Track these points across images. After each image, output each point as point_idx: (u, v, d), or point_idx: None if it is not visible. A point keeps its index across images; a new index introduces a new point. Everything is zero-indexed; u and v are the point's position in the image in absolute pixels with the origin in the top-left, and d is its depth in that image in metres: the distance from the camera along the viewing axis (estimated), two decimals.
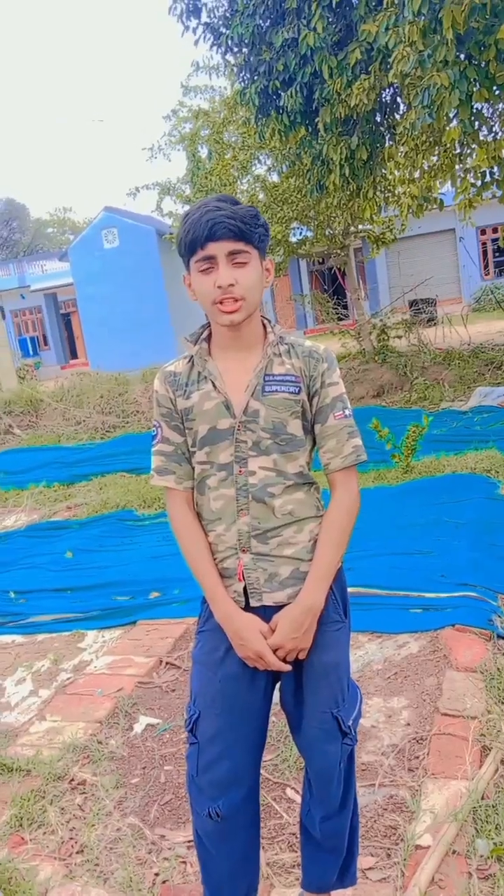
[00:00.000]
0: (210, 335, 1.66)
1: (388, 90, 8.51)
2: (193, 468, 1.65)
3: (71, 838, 2.28)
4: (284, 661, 1.58)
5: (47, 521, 6.26)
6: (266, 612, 1.60)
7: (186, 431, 1.63)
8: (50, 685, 3.34)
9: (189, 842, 2.19)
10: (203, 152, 13.62)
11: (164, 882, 2.05)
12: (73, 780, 2.56)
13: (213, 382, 1.59)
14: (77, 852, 2.21)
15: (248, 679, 1.60)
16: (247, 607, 1.61)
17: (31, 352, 28.32)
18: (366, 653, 3.18)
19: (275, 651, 1.57)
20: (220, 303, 1.52)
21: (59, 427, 10.74)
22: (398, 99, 8.78)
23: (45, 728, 2.92)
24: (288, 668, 1.57)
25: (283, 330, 1.67)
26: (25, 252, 37.91)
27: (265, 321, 1.65)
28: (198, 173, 13.38)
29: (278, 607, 1.60)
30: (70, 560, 5.08)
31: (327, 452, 1.62)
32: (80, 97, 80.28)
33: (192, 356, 1.64)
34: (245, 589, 1.61)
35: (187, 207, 14.45)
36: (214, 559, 1.63)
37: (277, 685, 1.70)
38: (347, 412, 1.62)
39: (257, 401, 1.57)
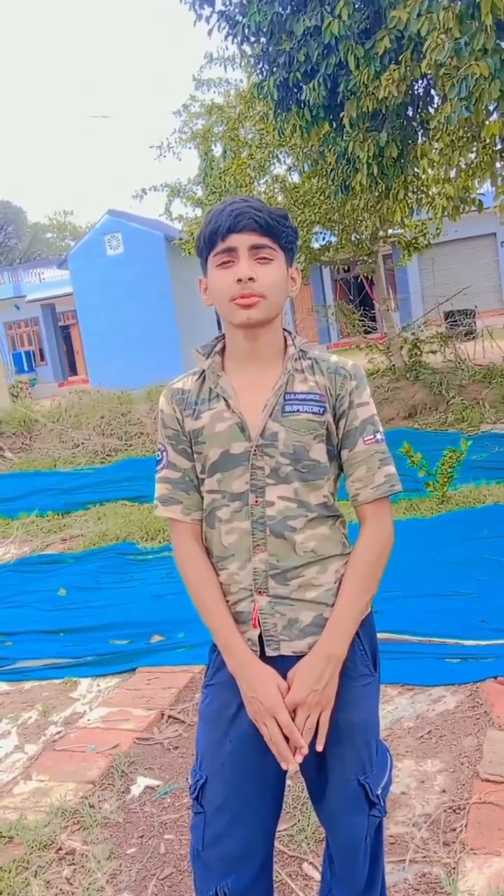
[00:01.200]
0: (224, 347, 1.64)
1: (420, 81, 8.57)
2: (201, 498, 1.63)
3: None
4: (304, 728, 1.51)
5: (39, 555, 6.25)
6: (284, 663, 1.55)
7: (195, 456, 1.61)
8: (37, 740, 3.29)
9: None
10: (217, 150, 13.80)
11: None
12: (60, 848, 2.50)
13: (226, 401, 1.57)
14: None
15: (261, 741, 1.55)
16: (262, 657, 1.56)
17: (25, 367, 28.62)
18: (395, 708, 3.11)
19: (293, 713, 1.51)
20: (239, 297, 1.50)
21: (54, 450, 10.78)
22: (432, 91, 8.85)
23: (30, 789, 2.88)
24: (303, 743, 1.50)
25: (306, 343, 1.65)
26: (21, 259, 38.53)
27: (286, 333, 1.63)
28: (211, 173, 13.54)
29: (298, 658, 1.55)
30: (63, 598, 5.05)
31: (356, 482, 1.58)
32: (82, 92, 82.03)
33: (202, 371, 1.63)
34: (261, 636, 1.56)
35: (198, 211, 14.74)
36: (226, 601, 1.59)
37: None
38: (379, 436, 1.59)
39: (276, 422, 1.54)
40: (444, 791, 2.55)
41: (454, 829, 2.36)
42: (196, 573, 1.61)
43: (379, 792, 1.59)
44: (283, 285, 1.56)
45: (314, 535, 1.56)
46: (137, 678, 3.72)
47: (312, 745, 1.53)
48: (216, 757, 1.59)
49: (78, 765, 2.98)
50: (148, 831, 2.57)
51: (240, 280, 1.49)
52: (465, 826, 2.34)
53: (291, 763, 1.50)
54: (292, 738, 1.50)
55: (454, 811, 2.44)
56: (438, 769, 2.68)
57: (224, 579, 1.59)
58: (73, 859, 2.46)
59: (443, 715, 3.01)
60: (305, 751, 1.50)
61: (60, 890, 2.33)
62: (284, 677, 1.54)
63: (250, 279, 1.49)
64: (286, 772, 1.64)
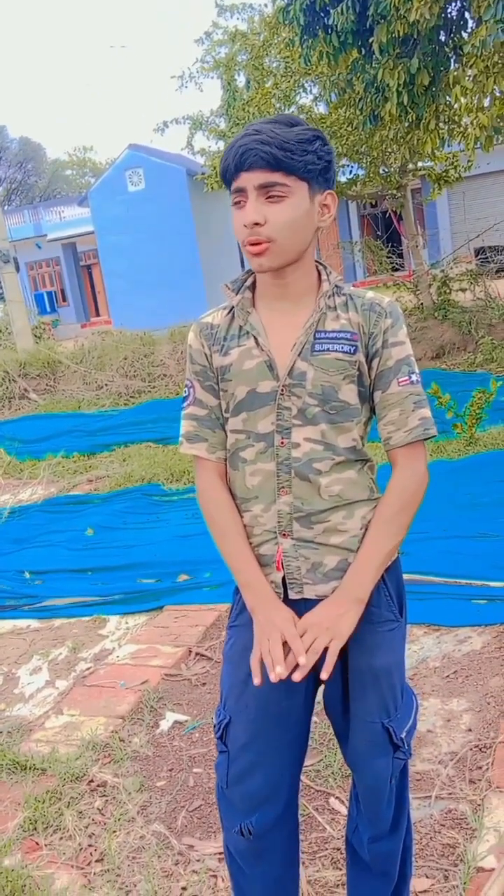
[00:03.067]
0: (255, 283, 1.58)
1: (454, 3, 8.20)
2: (226, 437, 1.60)
3: (90, 845, 2.30)
4: (309, 648, 1.44)
5: (66, 495, 6.31)
6: (306, 606, 1.53)
7: (221, 393, 1.57)
8: (68, 675, 3.37)
9: (220, 853, 2.18)
10: (240, 80, 13.37)
11: None
12: (92, 781, 2.57)
13: (255, 338, 1.52)
14: (96, 861, 2.23)
15: (285, 682, 1.55)
16: (285, 600, 1.55)
17: (47, 308, 28.50)
18: (421, 648, 3.13)
19: (302, 635, 1.46)
20: (248, 244, 1.44)
21: (78, 392, 10.80)
22: (466, 13, 8.46)
23: (62, 723, 2.95)
24: (302, 652, 1.43)
25: (340, 279, 1.57)
26: (41, 197, 38.03)
27: (320, 267, 1.56)
28: (234, 104, 13.13)
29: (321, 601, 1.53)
30: (90, 538, 5.11)
31: (389, 424, 1.53)
32: (99, 21, 79.56)
33: (232, 307, 1.58)
34: (284, 579, 1.55)
35: (221, 144, 14.38)
36: (250, 543, 1.57)
37: (320, 690, 1.65)
38: (414, 378, 1.53)
39: (305, 361, 1.49)
40: (469, 730, 2.57)
41: (480, 768, 2.39)
42: (218, 512, 1.59)
43: (403, 735, 1.59)
44: (303, 221, 1.45)
45: (340, 479, 1.52)
46: (165, 616, 3.77)
47: (339, 679, 1.52)
48: (240, 697, 1.59)
49: (108, 700, 3.05)
50: (177, 765, 2.63)
51: (246, 225, 1.43)
52: (492, 764, 2.37)
53: (279, 667, 1.43)
54: (294, 650, 1.44)
55: (480, 750, 2.47)
56: (464, 708, 2.70)
57: (247, 521, 1.57)
58: (105, 791, 2.53)
59: (469, 655, 3.02)
60: (303, 664, 1.43)
61: (93, 820, 2.40)
62: None
63: (256, 224, 1.42)
64: (311, 714, 1.65)
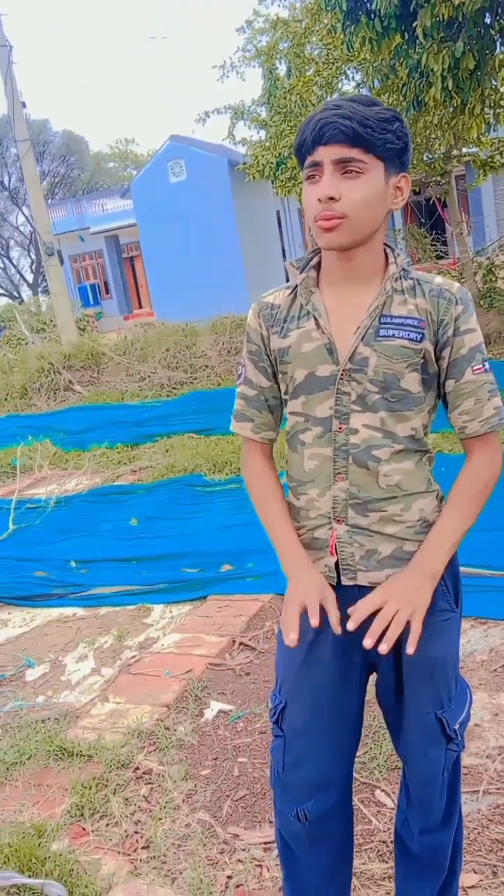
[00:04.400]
0: (320, 262, 1.54)
1: None
2: (276, 418, 1.61)
3: (136, 832, 2.31)
4: (394, 621, 1.40)
5: (110, 486, 6.37)
6: (360, 594, 1.51)
7: (280, 376, 1.56)
8: (113, 663, 3.40)
9: (266, 843, 2.19)
10: (281, 69, 13.29)
11: (237, 886, 2.06)
12: (138, 768, 2.59)
13: (316, 319, 1.49)
14: (142, 847, 2.25)
15: (340, 669, 1.54)
16: (338, 586, 1.53)
17: (91, 301, 28.75)
18: (468, 641, 3.09)
19: (375, 615, 1.42)
20: (321, 219, 1.40)
21: (122, 383, 10.89)
22: None
23: (107, 710, 2.98)
24: (352, 626, 1.40)
25: (409, 262, 1.53)
26: (84, 190, 38.32)
27: (388, 250, 1.51)
28: (275, 93, 13.06)
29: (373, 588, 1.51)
30: (135, 528, 5.15)
31: (464, 414, 1.50)
32: (139, 13, 79.72)
33: (296, 286, 1.54)
34: (337, 565, 1.53)
35: (262, 133, 14.30)
36: (303, 527, 1.57)
37: (373, 680, 1.64)
38: (487, 366, 1.50)
39: (368, 346, 1.45)
40: None
41: None
42: (258, 480, 1.62)
43: (457, 727, 1.57)
44: (377, 200, 1.41)
45: (399, 469, 1.49)
46: (208, 606, 3.78)
47: (392, 669, 1.50)
48: (296, 682, 1.58)
49: (153, 688, 3.07)
50: (222, 754, 2.64)
51: (320, 200, 1.39)
52: None
53: (292, 633, 1.44)
54: (311, 615, 1.44)
55: None
56: None
57: (303, 504, 1.56)
58: (150, 779, 2.55)
59: None
60: (352, 628, 1.41)
61: (139, 807, 2.42)
62: None
63: (330, 199, 1.38)
64: (363, 705, 1.64)
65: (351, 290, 1.49)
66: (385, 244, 1.51)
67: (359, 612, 1.43)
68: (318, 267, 1.55)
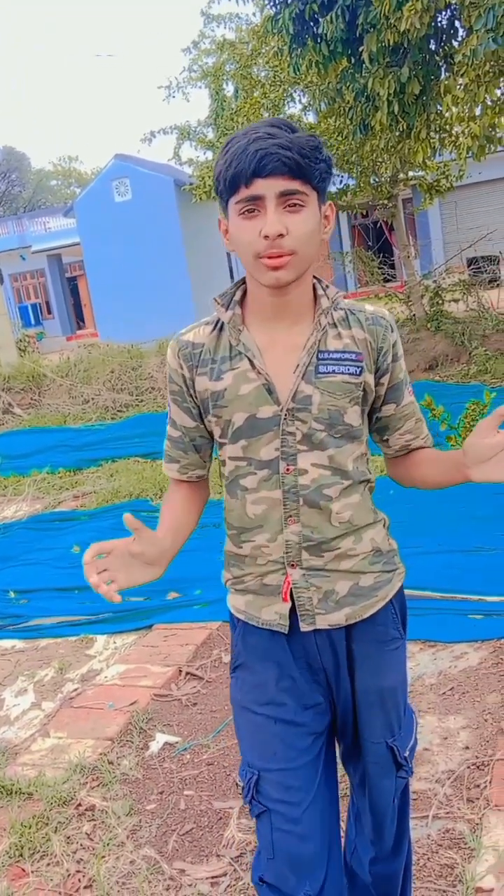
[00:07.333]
0: (244, 295, 1.49)
1: (444, 13, 8.31)
2: (204, 456, 1.59)
3: (78, 871, 2.28)
4: None
5: (51, 512, 6.30)
6: (318, 638, 1.50)
7: (213, 420, 1.49)
8: (54, 697, 3.35)
9: (212, 878, 2.18)
10: (228, 90, 13.50)
11: None
12: (80, 805, 2.56)
13: (250, 360, 1.44)
14: (85, 887, 2.22)
15: (307, 716, 1.50)
16: (293, 633, 1.50)
17: (32, 321, 28.53)
18: (417, 664, 3.14)
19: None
20: (266, 257, 1.35)
21: (64, 406, 10.80)
22: (456, 23, 8.58)
23: (48, 745, 2.94)
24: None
25: (339, 293, 1.50)
26: (26, 208, 38.13)
27: (316, 282, 1.49)
28: (222, 114, 13.27)
29: (335, 631, 1.50)
30: (77, 556, 5.09)
31: (407, 433, 1.58)
32: (85, 30, 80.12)
33: (218, 322, 1.49)
34: (292, 611, 1.49)
35: (209, 154, 14.49)
36: (249, 574, 1.54)
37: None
38: (411, 388, 1.60)
39: (309, 384, 1.42)
40: (467, 747, 2.58)
41: (478, 786, 2.39)
42: (164, 509, 1.63)
43: (406, 754, 1.59)
44: (317, 233, 1.39)
45: (349, 504, 1.49)
46: (154, 635, 3.77)
47: (349, 702, 1.55)
48: (265, 745, 1.50)
49: (96, 721, 3.04)
50: (168, 787, 2.62)
51: (267, 237, 1.33)
52: (490, 782, 2.37)
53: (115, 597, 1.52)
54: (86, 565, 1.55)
55: (478, 767, 2.47)
56: (461, 725, 2.70)
57: (248, 552, 1.52)
58: (93, 815, 2.52)
59: (465, 671, 3.03)
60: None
61: (81, 845, 2.39)
62: (319, 651, 1.50)
63: (280, 235, 1.32)
64: (335, 751, 1.63)
65: (282, 325, 1.46)
66: (314, 277, 1.49)
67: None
68: (241, 301, 1.50)
